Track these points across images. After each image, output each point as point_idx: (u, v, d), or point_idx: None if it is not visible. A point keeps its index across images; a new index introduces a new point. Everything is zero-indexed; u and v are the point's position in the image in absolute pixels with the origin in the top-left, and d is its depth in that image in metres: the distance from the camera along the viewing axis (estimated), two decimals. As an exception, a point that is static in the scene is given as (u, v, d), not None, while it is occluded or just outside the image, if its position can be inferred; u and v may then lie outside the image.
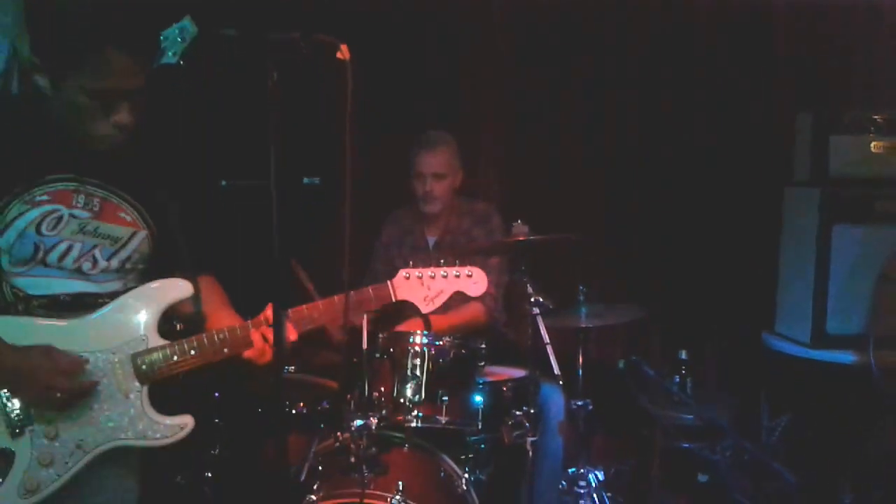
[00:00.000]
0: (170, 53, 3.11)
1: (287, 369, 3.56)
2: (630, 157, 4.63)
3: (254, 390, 3.55)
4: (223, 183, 3.85)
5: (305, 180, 3.80)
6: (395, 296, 2.57)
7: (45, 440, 2.23)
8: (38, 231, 2.24)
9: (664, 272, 4.60)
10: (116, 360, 2.29)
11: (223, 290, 2.64)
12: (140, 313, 2.33)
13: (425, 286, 2.60)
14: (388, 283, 2.56)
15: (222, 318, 2.48)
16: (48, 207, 2.24)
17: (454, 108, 4.59)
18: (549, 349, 3.25)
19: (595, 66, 4.62)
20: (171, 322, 2.47)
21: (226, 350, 2.39)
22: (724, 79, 4.60)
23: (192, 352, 2.35)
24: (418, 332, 3.29)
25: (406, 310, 3.87)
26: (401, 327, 3.66)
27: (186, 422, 2.37)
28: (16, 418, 2.21)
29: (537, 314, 3.26)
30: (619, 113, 4.65)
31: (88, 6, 2.16)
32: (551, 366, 3.37)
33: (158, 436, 2.33)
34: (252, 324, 2.42)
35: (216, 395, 3.46)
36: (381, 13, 4.37)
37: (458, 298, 3.94)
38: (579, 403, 3.59)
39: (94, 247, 2.30)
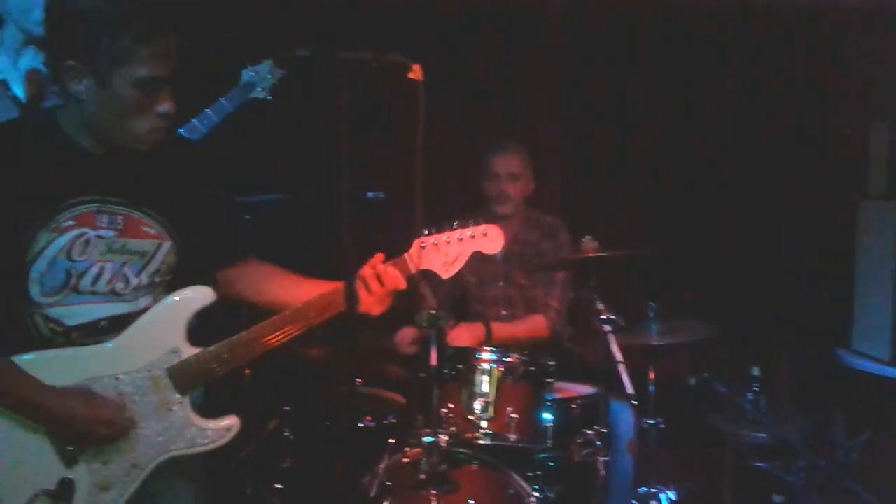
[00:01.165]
0: (259, 89, 3.16)
1: (355, 383, 3.58)
2: (700, 171, 4.57)
3: (323, 404, 3.58)
4: (279, 196, 3.89)
5: (370, 194, 3.83)
6: (415, 266, 2.43)
7: (99, 465, 2.23)
8: (68, 257, 2.19)
9: (736, 287, 4.51)
10: (153, 376, 2.28)
11: (273, 266, 2.54)
12: (167, 327, 2.31)
13: (442, 252, 2.48)
14: (405, 256, 2.43)
15: (298, 291, 2.41)
16: (75, 232, 2.19)
17: (516, 121, 4.59)
18: (622, 368, 3.19)
19: (663, 77, 4.58)
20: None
21: (271, 339, 2.35)
22: (796, 89, 4.51)
23: (224, 355, 2.32)
24: (486, 348, 3.27)
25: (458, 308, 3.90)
26: (463, 330, 3.65)
27: (232, 423, 2.35)
28: (69, 445, 2.22)
29: (609, 332, 3.21)
30: (688, 126, 4.59)
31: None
32: (621, 383, 3.32)
33: (207, 441, 2.33)
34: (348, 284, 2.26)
35: (286, 408, 3.48)
36: (439, 28, 4.39)
37: (522, 308, 4.00)
38: (650, 422, 3.53)
39: (123, 265, 2.26)
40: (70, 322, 2.22)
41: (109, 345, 2.26)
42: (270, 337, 2.35)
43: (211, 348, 2.32)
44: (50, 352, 2.21)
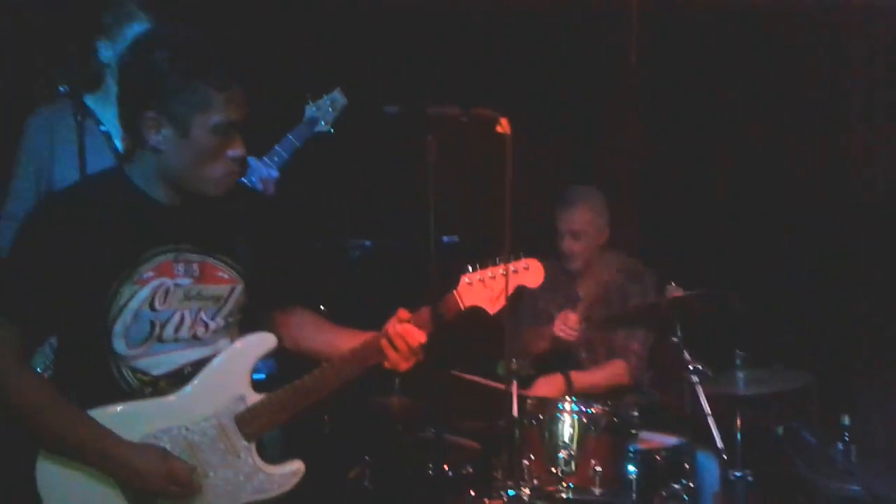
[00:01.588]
0: (322, 123, 3.23)
1: (430, 430, 3.56)
2: (790, 214, 4.45)
3: (402, 452, 3.56)
4: (367, 243, 3.93)
5: (445, 239, 3.84)
6: (463, 304, 2.48)
7: None
8: (151, 308, 2.21)
9: (825, 332, 4.37)
10: (221, 424, 2.29)
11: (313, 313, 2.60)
12: (232, 374, 2.32)
13: (488, 287, 2.50)
14: (454, 293, 2.47)
15: (336, 341, 2.47)
16: (156, 283, 2.21)
17: (596, 164, 4.56)
18: (711, 421, 3.10)
19: (750, 117, 4.50)
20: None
21: (353, 368, 2.39)
22: (887, 124, 4.38)
23: (287, 401, 2.34)
24: (568, 398, 3.22)
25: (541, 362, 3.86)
26: (542, 384, 3.60)
27: (298, 467, 2.36)
28: (140, 499, 2.23)
29: (696, 383, 3.12)
30: (770, 169, 4.50)
31: (207, 46, 2.15)
32: (709, 435, 3.22)
33: (276, 486, 2.33)
34: (371, 341, 2.40)
35: (366, 457, 3.47)
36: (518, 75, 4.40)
37: (603, 353, 3.94)
38: (737, 474, 3.41)
39: (200, 310, 2.29)
40: (156, 371, 2.24)
41: (178, 395, 2.27)
42: (328, 384, 2.38)
43: (274, 394, 2.33)
44: (121, 405, 2.22)
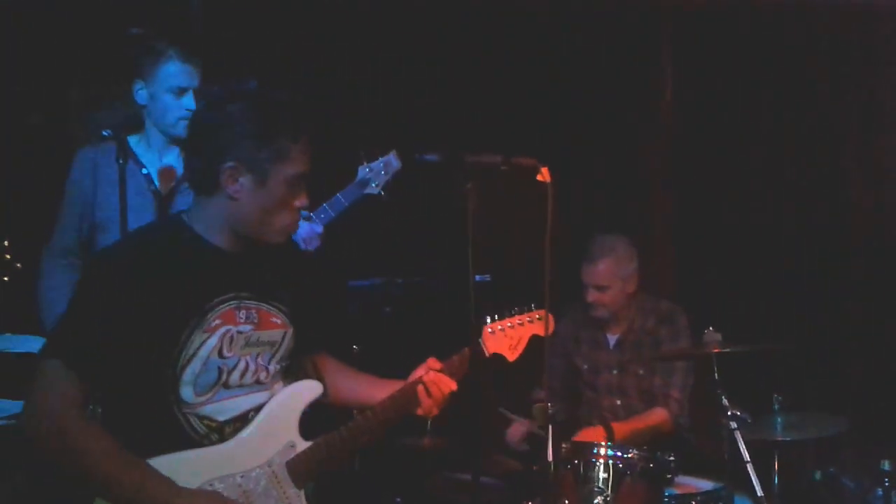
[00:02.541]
0: (373, 185, 3.24)
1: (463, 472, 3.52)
2: (828, 259, 4.41)
3: (434, 494, 3.52)
4: (400, 281, 3.94)
5: (478, 278, 3.84)
6: (488, 351, 2.66)
7: None
8: (220, 355, 2.24)
9: (863, 376, 4.30)
10: (273, 472, 2.31)
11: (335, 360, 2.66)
12: (283, 421, 2.35)
13: (508, 336, 2.71)
14: (480, 340, 2.64)
15: (370, 389, 2.56)
16: (223, 330, 2.24)
17: (630, 207, 4.56)
18: (751, 468, 3.04)
19: (787, 158, 4.48)
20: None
21: (392, 416, 2.47)
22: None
23: (333, 447, 2.38)
24: (603, 443, 3.19)
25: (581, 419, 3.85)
26: (582, 436, 3.56)
27: None
28: None
29: (735, 429, 3.07)
30: (807, 212, 4.47)
31: (283, 98, 2.22)
32: (747, 480, 3.16)
33: None
34: (408, 387, 2.52)
35: (398, 499, 3.44)
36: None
37: (636, 397, 3.90)
38: (775, 520, 3.35)
39: (258, 356, 2.32)
40: (222, 417, 2.27)
41: (233, 443, 2.27)
42: (373, 430, 2.45)
43: (321, 440, 2.37)
44: (178, 454, 2.22)
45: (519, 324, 2.73)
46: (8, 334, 3.19)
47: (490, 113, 4.35)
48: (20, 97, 3.82)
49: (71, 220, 3.14)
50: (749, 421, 3.15)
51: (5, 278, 3.53)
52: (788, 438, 3.36)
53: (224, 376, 2.26)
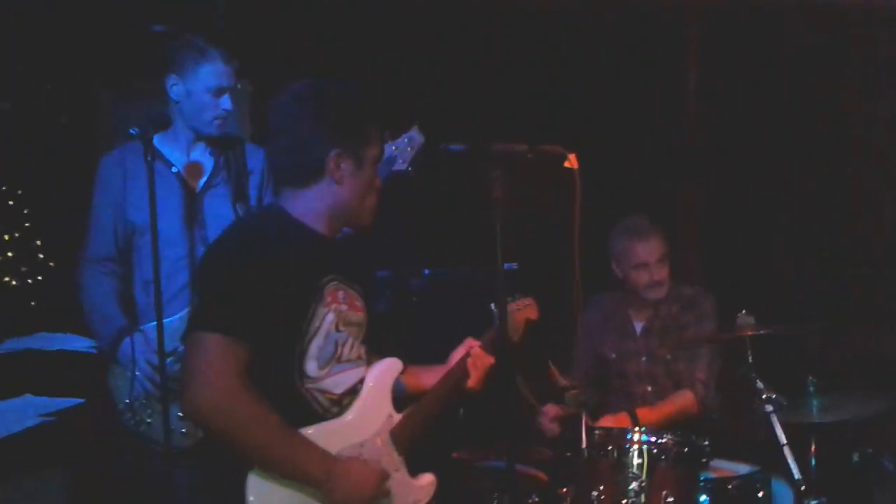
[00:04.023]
0: (400, 161, 3.24)
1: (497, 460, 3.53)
2: (860, 237, 4.36)
3: (464, 483, 3.53)
4: (426, 271, 3.95)
5: (505, 266, 3.83)
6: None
7: None
8: (336, 329, 2.36)
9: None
10: (384, 441, 2.43)
11: None
12: (382, 394, 2.48)
13: (512, 319, 2.83)
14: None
15: (420, 374, 2.70)
16: (334, 306, 2.35)
17: (659, 192, 4.53)
18: (787, 450, 3.01)
19: (817, 138, 4.43)
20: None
21: (450, 392, 2.65)
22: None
23: (418, 417, 2.53)
24: (637, 429, 3.17)
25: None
26: (604, 423, 3.54)
27: (431, 479, 2.57)
28: None
29: (771, 412, 3.04)
30: (841, 192, 4.42)
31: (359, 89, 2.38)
32: (784, 464, 3.13)
33: (423, 498, 2.53)
34: (461, 361, 2.69)
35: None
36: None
37: (667, 384, 3.87)
38: (813, 503, 3.31)
39: (353, 334, 2.43)
40: (338, 390, 2.39)
41: (348, 416, 2.40)
42: (445, 400, 2.64)
43: (409, 411, 2.52)
44: (310, 428, 2.31)
45: (518, 309, 2.87)
46: (42, 333, 3.23)
47: (516, 102, 4.35)
48: (47, 97, 3.86)
49: (104, 228, 3.11)
50: (784, 404, 3.11)
51: (39, 277, 3.57)
52: (825, 420, 3.32)
53: (338, 349, 2.37)
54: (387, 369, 2.52)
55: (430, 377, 2.67)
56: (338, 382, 2.37)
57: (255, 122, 3.92)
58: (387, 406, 2.48)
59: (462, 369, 2.67)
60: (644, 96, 4.70)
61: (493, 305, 2.75)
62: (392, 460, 2.45)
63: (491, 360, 2.69)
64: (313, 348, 2.31)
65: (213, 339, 2.18)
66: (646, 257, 3.77)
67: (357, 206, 2.40)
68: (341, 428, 2.36)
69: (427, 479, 2.56)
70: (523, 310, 2.88)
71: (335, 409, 2.37)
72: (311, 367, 2.31)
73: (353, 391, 2.42)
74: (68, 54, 3.82)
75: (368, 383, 2.46)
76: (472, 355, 2.67)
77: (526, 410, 3.69)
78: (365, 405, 2.43)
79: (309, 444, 2.27)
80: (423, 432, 2.55)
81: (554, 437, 3.61)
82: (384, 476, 2.36)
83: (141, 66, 3.29)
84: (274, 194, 2.61)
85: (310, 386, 2.32)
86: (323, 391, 2.35)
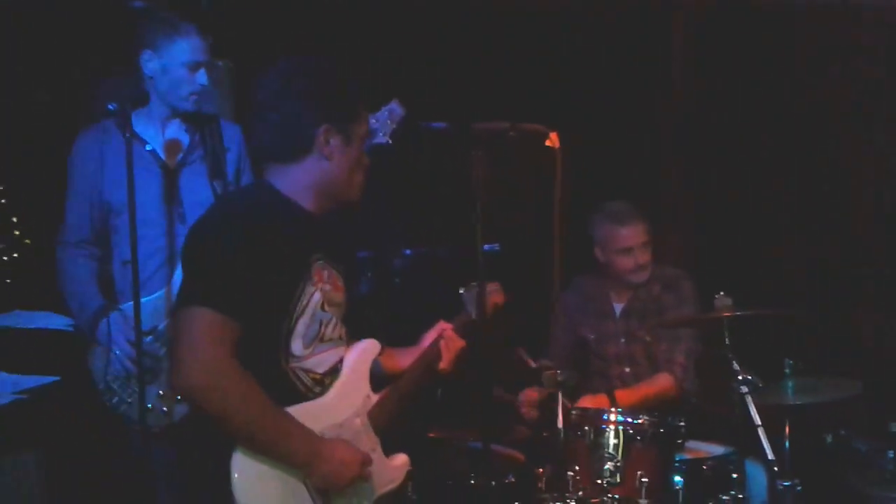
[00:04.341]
0: (381, 134, 3.24)
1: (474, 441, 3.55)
2: (838, 223, 4.40)
3: (445, 463, 3.54)
4: (408, 251, 3.94)
5: (486, 247, 3.83)
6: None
7: None
8: (322, 308, 2.34)
9: (873, 340, 4.30)
10: (362, 421, 2.44)
11: None
12: (361, 374, 2.50)
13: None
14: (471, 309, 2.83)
15: (395, 356, 2.71)
16: (320, 286, 2.35)
17: (644, 174, 4.55)
18: (761, 431, 3.05)
19: (802, 124, 4.46)
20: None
21: (424, 373, 2.68)
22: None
23: (394, 398, 2.56)
24: (613, 409, 3.20)
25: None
26: (583, 404, 3.57)
27: (405, 459, 2.60)
28: (324, 495, 2.32)
29: (746, 393, 3.07)
30: (825, 177, 4.46)
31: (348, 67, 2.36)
32: (757, 445, 3.16)
33: (396, 478, 2.56)
34: (433, 343, 2.73)
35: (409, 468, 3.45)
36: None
37: (646, 365, 3.90)
38: (785, 484, 3.35)
39: (333, 314, 2.42)
40: (321, 370, 2.38)
41: (331, 395, 2.40)
42: (419, 383, 2.66)
43: (385, 392, 2.54)
44: (293, 407, 2.30)
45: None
46: (18, 311, 3.20)
47: (499, 81, 4.33)
48: (25, 74, 3.81)
49: (81, 210, 3.09)
50: (760, 385, 3.14)
51: (15, 255, 3.54)
52: (799, 402, 3.36)
53: (322, 329, 2.36)
54: (365, 350, 2.52)
55: (404, 359, 2.69)
56: (321, 362, 2.37)
57: (237, 101, 3.89)
58: (365, 387, 2.49)
59: (435, 352, 2.69)
60: (629, 76, 4.71)
61: (461, 290, 2.85)
62: (369, 440, 2.46)
63: (462, 342, 2.72)
64: (300, 327, 2.29)
65: (206, 316, 2.15)
66: (630, 242, 3.79)
67: (345, 181, 2.38)
68: (322, 408, 2.36)
69: (401, 459, 2.59)
70: (489, 294, 2.87)
71: (318, 389, 2.36)
72: (297, 346, 2.30)
73: (335, 371, 2.41)
74: (46, 31, 3.77)
75: (348, 364, 2.46)
76: (445, 338, 2.70)
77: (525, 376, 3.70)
78: (345, 386, 2.43)
79: (297, 424, 2.26)
80: (398, 413, 2.57)
81: (532, 420, 3.64)
82: (367, 459, 2.36)
83: (118, 43, 3.25)
84: (258, 171, 2.58)
85: (294, 365, 2.31)
86: (307, 370, 2.33)
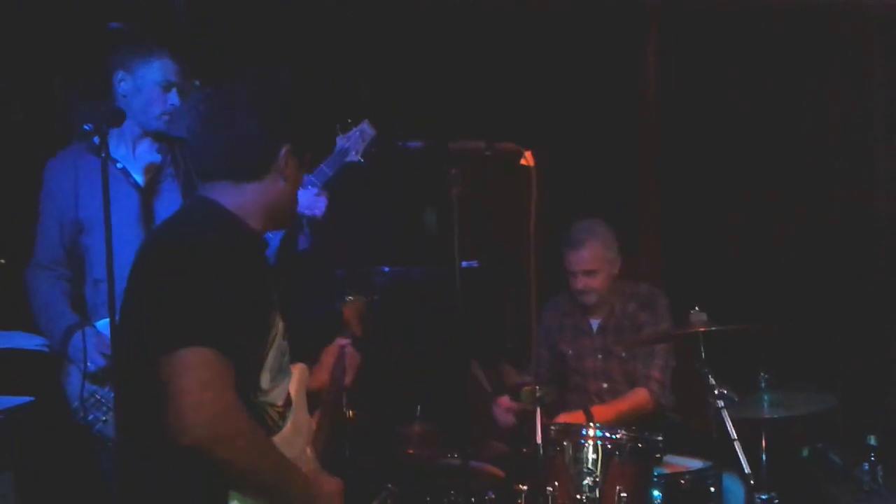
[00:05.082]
0: (353, 153, 3.27)
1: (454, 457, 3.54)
2: (815, 236, 4.44)
3: (424, 480, 3.54)
4: (386, 269, 3.94)
5: (464, 264, 3.84)
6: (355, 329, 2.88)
7: None
8: (283, 337, 2.20)
9: (849, 353, 4.34)
10: (310, 451, 2.35)
11: None
12: (303, 404, 2.37)
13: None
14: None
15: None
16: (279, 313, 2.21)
17: (617, 191, 4.58)
18: (738, 445, 3.07)
19: (775, 138, 4.51)
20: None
21: (336, 392, 2.74)
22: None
23: (328, 414, 2.62)
24: (592, 424, 3.21)
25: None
26: (563, 419, 3.58)
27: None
28: None
29: (722, 407, 3.10)
30: (798, 190, 4.50)
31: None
32: (735, 459, 3.18)
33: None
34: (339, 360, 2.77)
35: (389, 486, 3.44)
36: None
37: (623, 381, 3.92)
38: (763, 497, 3.37)
39: (286, 342, 2.31)
40: (280, 402, 2.19)
41: (289, 427, 2.22)
42: (335, 401, 2.72)
43: (316, 415, 2.52)
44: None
45: (345, 308, 2.96)
46: (-9, 331, 3.17)
47: (475, 100, 4.35)
48: (2, 93, 3.80)
49: (52, 233, 3.08)
50: (736, 399, 3.17)
51: (-12, 274, 3.51)
52: (776, 416, 3.39)
53: (283, 359, 2.20)
54: (301, 379, 2.39)
55: (315, 377, 2.67)
56: (280, 394, 2.21)
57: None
58: (307, 415, 2.38)
59: (342, 368, 2.73)
60: (603, 94, 4.74)
61: (338, 304, 2.92)
62: (318, 468, 2.35)
63: (359, 356, 2.77)
64: (270, 359, 2.13)
65: (205, 356, 1.91)
66: (573, 267, 3.85)
67: (291, 204, 2.28)
68: (285, 442, 2.21)
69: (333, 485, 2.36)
70: (349, 306, 2.93)
71: (281, 423, 2.18)
72: (265, 379, 2.11)
73: (288, 402, 2.25)
74: (24, 50, 3.76)
75: (293, 394, 2.32)
76: (347, 354, 2.73)
77: (480, 399, 3.72)
78: (296, 416, 2.30)
79: (292, 465, 2.13)
80: (325, 435, 2.59)
81: (509, 429, 3.65)
82: (342, 488, 2.26)
83: (94, 64, 3.25)
84: (195, 186, 2.44)
85: (261, 399, 2.12)
86: (271, 404, 2.16)
